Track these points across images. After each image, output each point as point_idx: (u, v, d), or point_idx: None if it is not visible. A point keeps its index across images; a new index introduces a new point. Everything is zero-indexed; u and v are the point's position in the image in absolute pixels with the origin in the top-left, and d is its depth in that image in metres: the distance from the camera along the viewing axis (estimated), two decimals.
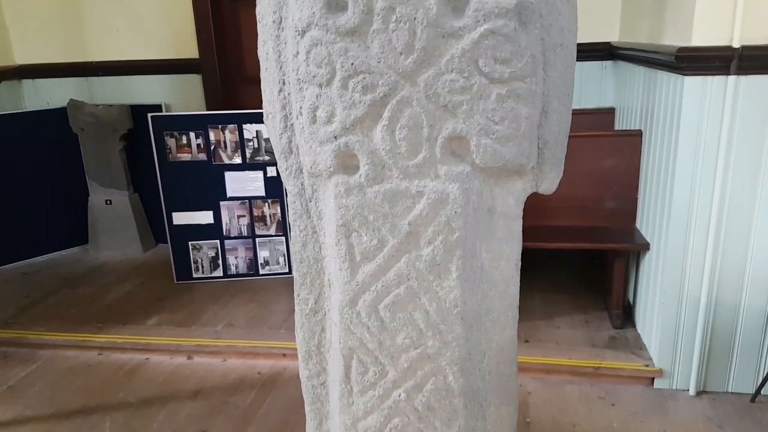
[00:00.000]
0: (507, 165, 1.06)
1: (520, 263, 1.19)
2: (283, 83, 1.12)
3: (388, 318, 1.15)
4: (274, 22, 1.07)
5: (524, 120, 1.02)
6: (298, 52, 1.04)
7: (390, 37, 0.98)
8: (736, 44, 2.18)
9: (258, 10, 1.11)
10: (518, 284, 1.20)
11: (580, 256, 3.77)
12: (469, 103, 1.01)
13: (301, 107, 1.09)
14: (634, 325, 2.98)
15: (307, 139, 1.11)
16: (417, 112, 1.03)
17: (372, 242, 1.13)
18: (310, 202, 1.20)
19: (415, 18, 0.96)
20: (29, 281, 3.87)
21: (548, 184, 1.12)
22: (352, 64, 1.01)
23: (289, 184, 1.22)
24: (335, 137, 1.08)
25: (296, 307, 1.26)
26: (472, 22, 0.95)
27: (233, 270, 3.77)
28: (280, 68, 1.10)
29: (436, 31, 0.96)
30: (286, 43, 1.07)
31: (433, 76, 0.99)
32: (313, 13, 0.99)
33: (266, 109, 1.18)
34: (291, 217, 1.23)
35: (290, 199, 1.23)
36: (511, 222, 1.15)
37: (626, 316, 3.02)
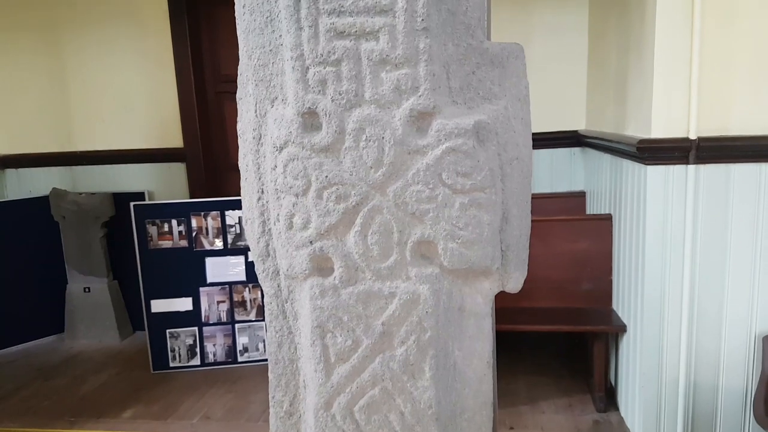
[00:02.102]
0: (473, 267, 1.12)
1: (492, 360, 1.22)
2: (262, 192, 1.18)
3: (363, 420, 1.16)
4: (254, 138, 1.15)
5: (486, 226, 1.08)
6: (276, 166, 1.11)
7: (361, 153, 1.06)
8: (692, 136, 2.32)
9: (239, 126, 1.19)
10: (491, 382, 1.22)
11: (561, 336, 3.79)
12: (435, 211, 1.08)
13: (278, 214, 1.15)
14: (617, 408, 2.97)
15: (284, 244, 1.16)
16: (387, 219, 1.10)
17: (347, 343, 1.16)
18: (286, 303, 1.24)
19: (383, 137, 1.04)
20: (2, 373, 3.77)
21: (514, 284, 1.17)
22: (326, 176, 1.08)
23: (265, 286, 1.26)
24: (311, 242, 1.14)
25: (271, 410, 1.27)
26: (435, 140, 1.04)
27: (211, 358, 3.72)
28: (259, 179, 1.17)
29: (402, 148, 1.05)
30: (265, 157, 1.14)
31: (401, 187, 1.07)
32: (290, 132, 1.07)
33: (245, 215, 1.24)
34: (267, 318, 1.26)
35: (267, 300, 1.26)
36: (481, 320, 1.19)
37: (609, 398, 3.02)
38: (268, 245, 1.22)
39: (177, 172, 4.26)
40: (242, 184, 1.23)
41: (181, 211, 3.69)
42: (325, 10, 1.03)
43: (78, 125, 4.33)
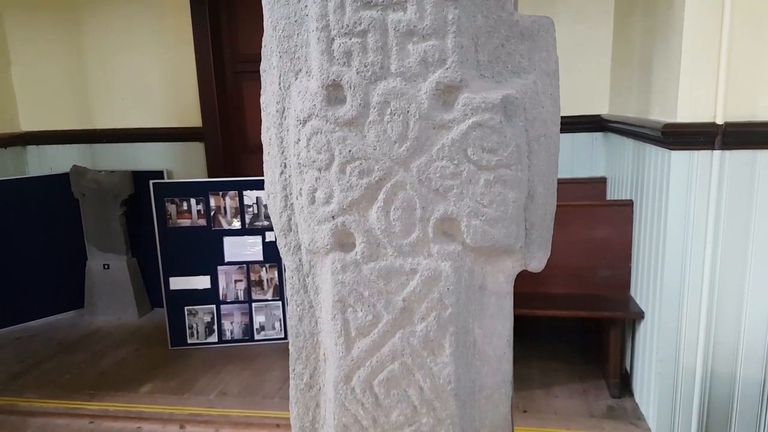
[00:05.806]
0: (496, 245, 1.11)
1: (512, 340, 1.22)
2: (285, 166, 1.18)
3: (383, 394, 1.17)
4: (277, 111, 1.14)
5: (511, 203, 1.07)
6: (299, 139, 1.10)
7: (385, 127, 1.05)
8: (719, 121, 2.27)
9: (262, 99, 1.19)
10: (511, 361, 1.22)
11: (576, 323, 3.77)
12: (459, 188, 1.06)
13: (300, 189, 1.15)
14: (632, 395, 2.96)
15: (306, 218, 1.16)
16: (410, 195, 1.09)
17: (367, 318, 1.16)
18: (308, 277, 1.24)
19: (408, 111, 1.03)
20: (24, 346, 3.84)
21: (536, 263, 1.16)
22: (350, 151, 1.07)
23: (287, 260, 1.26)
24: (333, 217, 1.13)
25: (291, 382, 1.28)
26: (461, 115, 1.02)
27: (228, 335, 3.75)
28: (282, 153, 1.17)
29: (427, 122, 1.03)
30: (288, 131, 1.14)
31: (425, 162, 1.06)
32: (314, 105, 1.06)
33: (268, 189, 1.24)
34: (288, 292, 1.26)
35: (288, 275, 1.26)
36: (502, 299, 1.18)
37: (624, 384, 3.00)
38: (290, 220, 1.22)
39: (195, 151, 4.27)
40: (265, 158, 1.23)
41: (200, 190, 3.71)
42: None
43: (98, 103, 4.35)
